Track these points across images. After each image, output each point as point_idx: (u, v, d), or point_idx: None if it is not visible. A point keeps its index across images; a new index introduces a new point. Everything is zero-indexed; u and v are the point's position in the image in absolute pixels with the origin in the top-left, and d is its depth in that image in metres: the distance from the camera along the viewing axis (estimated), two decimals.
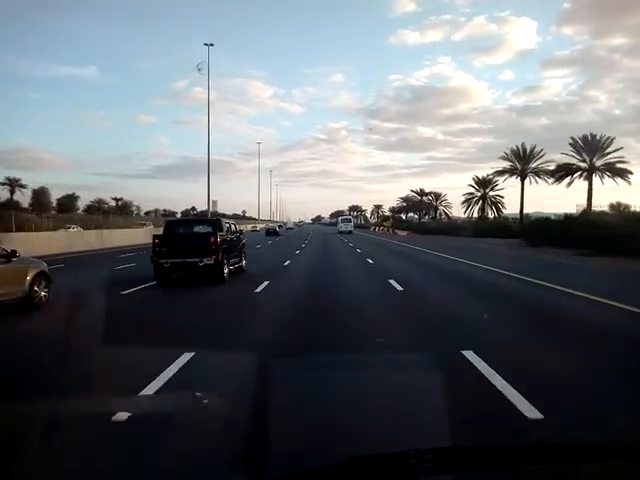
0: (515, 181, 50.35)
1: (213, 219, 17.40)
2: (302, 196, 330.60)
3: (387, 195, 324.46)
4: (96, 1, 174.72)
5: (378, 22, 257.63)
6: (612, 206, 46.21)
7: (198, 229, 14.51)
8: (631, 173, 42.20)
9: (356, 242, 37.63)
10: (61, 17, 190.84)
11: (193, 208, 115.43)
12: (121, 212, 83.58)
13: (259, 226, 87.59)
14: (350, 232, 64.41)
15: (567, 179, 43.49)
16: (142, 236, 35.40)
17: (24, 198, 73.95)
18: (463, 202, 62.32)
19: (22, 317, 8.69)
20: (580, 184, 43.46)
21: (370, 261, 19.61)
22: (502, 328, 7.51)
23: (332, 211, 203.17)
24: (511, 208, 58.05)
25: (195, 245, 13.07)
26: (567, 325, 7.74)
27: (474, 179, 61.38)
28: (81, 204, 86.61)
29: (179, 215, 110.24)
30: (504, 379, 4.55)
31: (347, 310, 8.88)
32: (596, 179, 42.59)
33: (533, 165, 48.82)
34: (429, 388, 4.32)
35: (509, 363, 5.19)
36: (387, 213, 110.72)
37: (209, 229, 13.96)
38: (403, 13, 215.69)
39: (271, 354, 5.60)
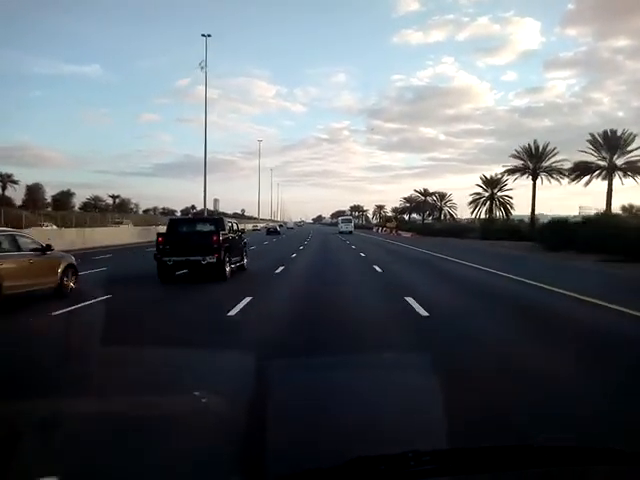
0: (523, 182, 47.83)
1: (216, 218, 17.51)
2: (303, 196, 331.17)
3: (388, 196, 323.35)
4: (98, 0, 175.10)
5: (381, 22, 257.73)
6: (624, 208, 44.65)
7: (201, 228, 14.62)
8: None
9: (358, 244, 36.03)
10: (63, 16, 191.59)
11: (193, 206, 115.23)
12: (119, 210, 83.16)
13: (259, 225, 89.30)
14: (350, 232, 64.31)
15: (585, 178, 40.23)
16: (127, 235, 34.45)
17: (17, 194, 72.79)
18: (470, 202, 58.84)
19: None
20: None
21: (378, 269, 16.59)
22: None
23: (333, 211, 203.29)
24: (517, 210, 56.52)
25: (198, 243, 13.17)
26: None
27: (482, 178, 57.90)
28: (79, 202, 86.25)
29: (179, 213, 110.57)
30: None
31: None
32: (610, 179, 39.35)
33: (546, 164, 45.46)
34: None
35: None
36: (389, 213, 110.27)
37: (212, 228, 14.07)
38: (407, 13, 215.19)
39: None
